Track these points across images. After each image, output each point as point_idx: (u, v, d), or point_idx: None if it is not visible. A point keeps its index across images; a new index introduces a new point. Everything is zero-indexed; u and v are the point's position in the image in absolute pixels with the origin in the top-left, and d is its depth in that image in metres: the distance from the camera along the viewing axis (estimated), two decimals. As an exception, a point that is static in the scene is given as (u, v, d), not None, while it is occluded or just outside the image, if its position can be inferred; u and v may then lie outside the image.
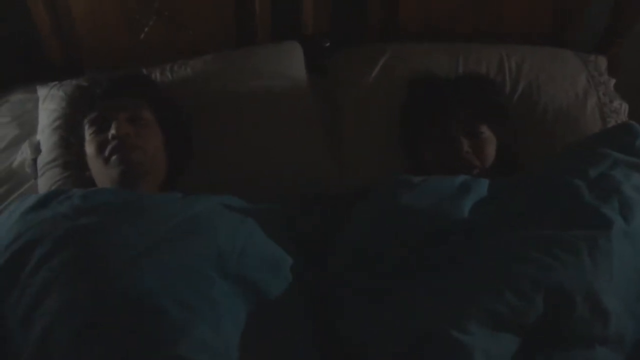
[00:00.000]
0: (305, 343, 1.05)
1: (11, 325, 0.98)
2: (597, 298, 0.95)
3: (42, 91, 1.54)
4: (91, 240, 1.02)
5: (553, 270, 0.96)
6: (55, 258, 1.00)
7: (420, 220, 1.11)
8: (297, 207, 1.36)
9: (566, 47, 1.69)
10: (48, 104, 1.50)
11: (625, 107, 1.59)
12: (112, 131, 1.21)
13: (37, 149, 1.47)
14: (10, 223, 1.11)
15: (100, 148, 1.23)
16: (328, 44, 1.72)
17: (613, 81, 1.64)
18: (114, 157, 1.20)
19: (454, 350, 0.91)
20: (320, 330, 1.09)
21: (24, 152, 1.48)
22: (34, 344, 0.93)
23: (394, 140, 1.49)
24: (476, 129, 1.31)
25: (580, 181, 1.09)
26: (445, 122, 1.32)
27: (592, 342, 0.94)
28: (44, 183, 1.41)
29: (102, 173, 1.24)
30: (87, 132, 1.27)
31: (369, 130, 1.53)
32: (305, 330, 1.07)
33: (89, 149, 1.25)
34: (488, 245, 1.04)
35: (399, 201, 1.14)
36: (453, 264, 1.05)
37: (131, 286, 0.95)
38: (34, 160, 1.46)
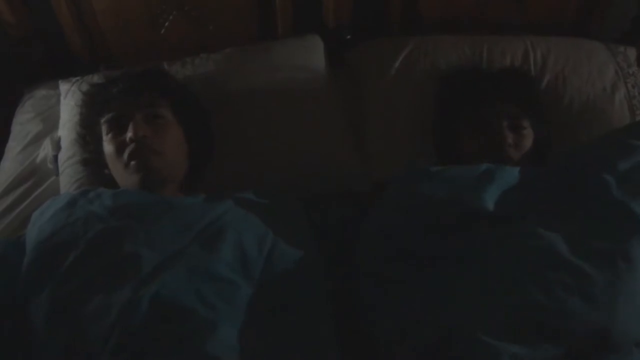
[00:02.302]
0: (328, 343, 1.04)
1: (36, 324, 0.99)
2: (633, 302, 0.92)
3: (64, 86, 1.55)
4: (123, 245, 1.03)
5: (586, 278, 0.93)
6: (89, 262, 1.02)
7: (437, 210, 1.10)
8: (321, 203, 1.35)
9: (594, 38, 1.65)
10: (69, 99, 1.50)
11: (655, 99, 1.56)
12: (129, 133, 1.19)
13: (57, 146, 1.47)
14: (42, 221, 1.12)
15: (119, 150, 1.21)
16: (349, 37, 1.71)
17: (643, 72, 1.60)
18: (132, 162, 1.19)
19: (481, 352, 0.90)
20: (344, 328, 1.08)
21: (46, 148, 1.49)
22: (66, 344, 0.95)
23: (417, 133, 1.47)
24: (520, 123, 1.30)
25: (609, 175, 1.06)
26: (491, 115, 1.30)
27: (631, 347, 0.92)
28: (66, 180, 1.41)
29: (122, 176, 1.23)
30: (105, 132, 1.25)
31: (392, 123, 1.52)
32: (329, 330, 1.06)
33: (108, 149, 1.24)
34: (513, 242, 1.02)
35: (418, 191, 1.13)
36: (478, 257, 1.03)
37: (162, 289, 0.96)
38: (55, 157, 1.46)
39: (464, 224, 1.07)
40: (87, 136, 1.33)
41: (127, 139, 1.19)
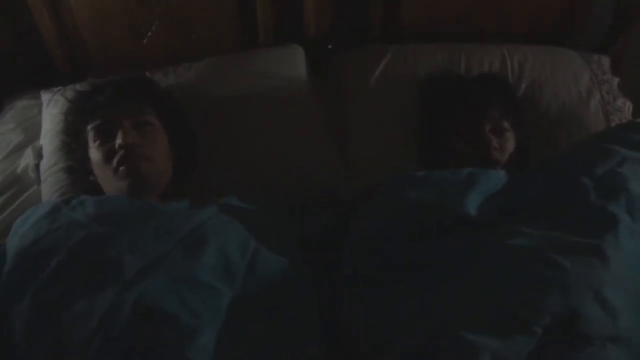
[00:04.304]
0: (313, 349, 1.04)
1: (18, 332, 0.98)
2: (605, 297, 0.94)
3: (46, 96, 1.54)
4: (106, 250, 1.03)
5: (564, 271, 0.94)
6: (71, 269, 1.01)
7: (423, 215, 1.11)
8: (305, 210, 1.36)
9: (569, 47, 1.68)
10: (52, 109, 1.50)
11: (629, 105, 1.58)
12: (119, 141, 1.19)
13: (39, 155, 1.47)
14: (25, 229, 1.11)
15: (107, 157, 1.21)
16: (331, 47, 1.72)
17: (617, 80, 1.63)
18: (122, 169, 1.19)
19: (461, 350, 0.91)
20: (329, 334, 1.08)
21: (28, 158, 1.49)
22: (48, 352, 0.94)
23: (401, 140, 1.49)
24: (502, 127, 1.33)
25: (587, 179, 1.08)
26: (476, 118, 1.32)
27: (604, 342, 0.93)
28: (48, 189, 1.41)
29: (110, 182, 1.23)
30: (92, 140, 1.25)
31: (374, 131, 1.53)
32: (314, 336, 1.06)
33: (95, 156, 1.24)
34: (496, 243, 1.04)
35: (403, 196, 1.14)
36: (461, 261, 1.04)
37: (144, 295, 0.96)
38: (37, 166, 1.46)
39: (448, 230, 1.09)
40: (73, 144, 1.33)
41: (117, 146, 1.20)
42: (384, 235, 1.13)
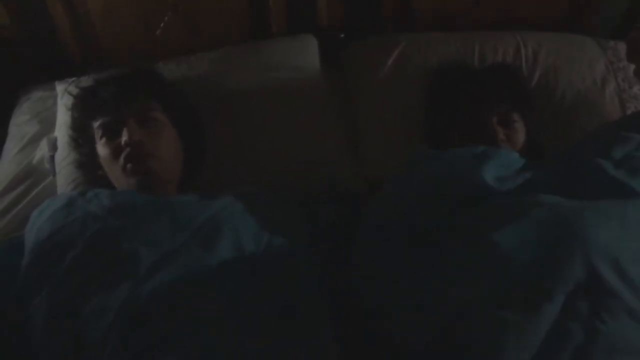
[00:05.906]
0: (326, 339, 1.04)
1: (36, 326, 0.99)
2: (623, 267, 0.94)
3: (60, 87, 1.55)
4: (120, 244, 1.03)
5: (584, 235, 0.94)
6: (87, 262, 1.02)
7: (442, 190, 1.11)
8: (316, 201, 1.36)
9: (584, 34, 1.67)
10: (65, 100, 1.49)
11: (645, 92, 1.57)
12: (124, 138, 1.18)
13: (54, 146, 1.48)
14: (41, 222, 1.12)
15: (114, 154, 1.20)
16: (343, 36, 1.72)
17: (632, 67, 1.61)
18: (129, 165, 1.18)
19: (488, 324, 0.92)
20: (342, 324, 1.09)
21: (43, 149, 1.50)
22: (66, 345, 0.95)
23: (412, 131, 1.48)
24: (510, 118, 1.32)
25: (604, 160, 1.08)
26: (482, 111, 1.31)
27: (622, 314, 0.93)
28: (63, 180, 1.42)
29: (119, 178, 1.22)
30: (98, 136, 1.24)
31: (385, 121, 1.53)
32: (327, 326, 1.06)
33: (103, 152, 1.23)
34: (519, 209, 1.03)
35: (420, 172, 1.15)
36: (481, 233, 1.03)
37: (159, 287, 0.97)
38: (52, 157, 1.47)
39: (467, 202, 1.09)
40: (80, 139, 1.32)
41: (123, 142, 1.19)
42: (399, 212, 1.13)
